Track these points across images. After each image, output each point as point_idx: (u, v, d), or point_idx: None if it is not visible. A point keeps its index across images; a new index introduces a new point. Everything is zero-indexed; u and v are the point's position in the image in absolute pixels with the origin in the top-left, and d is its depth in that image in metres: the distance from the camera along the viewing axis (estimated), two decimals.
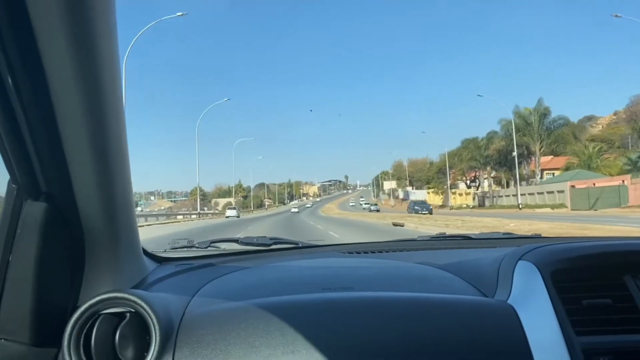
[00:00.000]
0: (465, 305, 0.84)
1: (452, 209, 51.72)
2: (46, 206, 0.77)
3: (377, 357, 0.74)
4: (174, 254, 1.43)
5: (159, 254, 1.33)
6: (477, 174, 56.37)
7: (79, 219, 0.82)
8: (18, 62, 0.65)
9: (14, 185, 0.76)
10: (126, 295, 0.75)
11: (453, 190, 60.94)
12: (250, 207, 78.65)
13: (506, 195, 46.82)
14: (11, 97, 0.67)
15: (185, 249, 1.58)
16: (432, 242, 1.72)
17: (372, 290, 0.95)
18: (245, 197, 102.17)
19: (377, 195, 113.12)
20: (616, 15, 26.44)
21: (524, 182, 45.46)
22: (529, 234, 1.82)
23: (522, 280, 0.88)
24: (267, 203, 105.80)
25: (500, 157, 46.42)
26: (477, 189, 57.27)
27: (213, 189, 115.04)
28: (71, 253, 0.84)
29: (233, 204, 59.63)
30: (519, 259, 0.93)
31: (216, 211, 65.04)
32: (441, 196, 63.49)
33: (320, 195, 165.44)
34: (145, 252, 1.18)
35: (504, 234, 1.79)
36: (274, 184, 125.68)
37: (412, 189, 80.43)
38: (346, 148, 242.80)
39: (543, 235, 1.78)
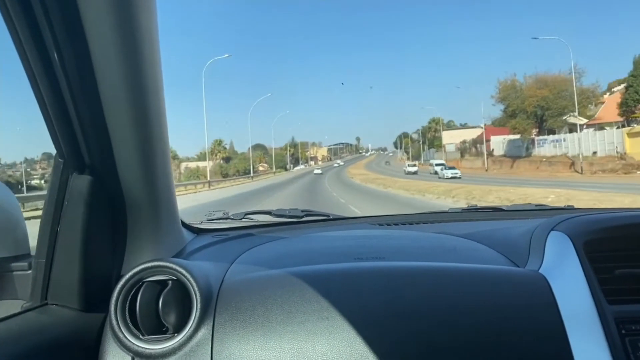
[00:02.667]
0: (497, 275, 0.84)
1: None
2: (91, 179, 0.81)
3: (409, 325, 0.75)
4: (210, 225, 1.49)
5: (195, 225, 1.39)
6: None
7: (121, 191, 0.86)
8: (63, 38, 0.68)
9: (60, 160, 0.80)
10: (168, 264, 0.77)
11: None
12: (227, 174, 42.23)
13: None
14: (57, 75, 0.70)
15: (220, 221, 1.64)
16: (463, 214, 1.69)
17: (404, 260, 0.96)
18: (227, 160, 65.24)
19: (420, 157, 76.43)
20: None
21: None
22: (563, 205, 1.78)
23: (554, 251, 0.88)
24: (261, 168, 70.96)
25: None
26: None
27: (199, 152, 79.68)
28: (115, 224, 0.88)
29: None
30: (552, 229, 0.93)
31: None
32: None
33: (330, 159, 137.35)
34: (183, 224, 1.22)
35: (536, 205, 1.73)
36: (271, 147, 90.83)
37: (534, 133, 39.32)
38: (356, 110, 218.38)
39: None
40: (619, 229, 0.89)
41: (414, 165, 48.36)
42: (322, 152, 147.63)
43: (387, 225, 1.53)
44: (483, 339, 0.73)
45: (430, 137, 77.88)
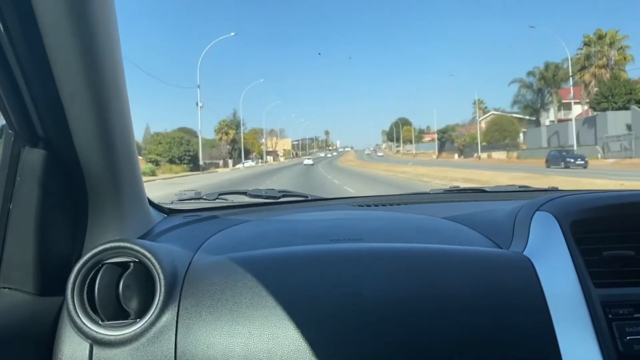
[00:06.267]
0: (479, 257, 0.81)
1: None
2: (45, 153, 0.75)
3: (385, 307, 0.72)
4: (181, 206, 1.43)
5: (166, 206, 1.32)
6: None
7: (79, 166, 0.79)
8: (7, 3, 0.62)
9: (10, 132, 0.74)
10: (130, 245, 0.73)
11: None
12: None
13: None
14: (1, 40, 0.64)
15: (193, 201, 1.56)
16: (445, 195, 1.66)
17: (382, 241, 0.92)
18: None
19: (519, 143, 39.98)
20: None
21: None
22: (546, 187, 1.75)
23: (539, 232, 0.84)
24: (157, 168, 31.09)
25: None
26: None
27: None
28: (73, 201, 0.82)
29: None
30: (537, 210, 0.89)
31: None
32: None
33: (297, 155, 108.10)
34: (152, 204, 1.16)
35: (520, 186, 1.71)
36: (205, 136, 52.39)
37: None
38: (325, 102, 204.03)
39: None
40: (607, 209, 0.86)
41: None
42: (286, 144, 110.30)
43: (367, 206, 1.49)
44: (464, 321, 0.71)
45: (591, 84, 34.01)
